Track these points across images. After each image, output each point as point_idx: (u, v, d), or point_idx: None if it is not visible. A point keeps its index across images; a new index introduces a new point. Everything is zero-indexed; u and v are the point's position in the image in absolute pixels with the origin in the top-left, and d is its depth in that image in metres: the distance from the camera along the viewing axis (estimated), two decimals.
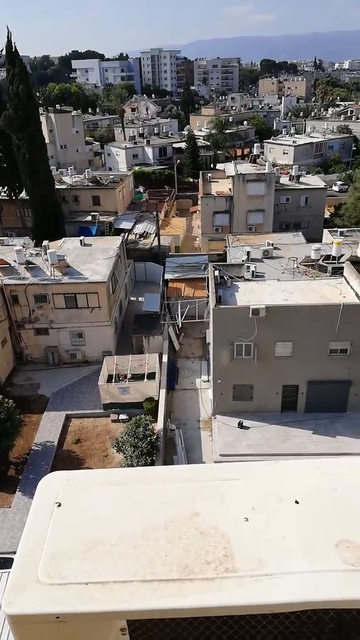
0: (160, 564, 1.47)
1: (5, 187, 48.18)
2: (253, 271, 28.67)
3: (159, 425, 25.97)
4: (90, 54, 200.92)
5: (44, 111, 75.29)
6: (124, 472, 1.76)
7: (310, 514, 1.61)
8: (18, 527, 22.13)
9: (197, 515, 1.54)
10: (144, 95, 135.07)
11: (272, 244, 32.90)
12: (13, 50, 42.25)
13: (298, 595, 1.47)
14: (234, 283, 27.84)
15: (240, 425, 26.38)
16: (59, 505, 1.58)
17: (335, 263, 29.15)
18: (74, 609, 1.47)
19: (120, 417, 28.16)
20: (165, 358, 31.03)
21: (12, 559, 19.19)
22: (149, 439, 23.55)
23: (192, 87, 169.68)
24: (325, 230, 40.96)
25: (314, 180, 52.69)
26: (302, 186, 50.19)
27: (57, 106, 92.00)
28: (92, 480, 1.71)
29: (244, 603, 1.44)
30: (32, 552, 1.51)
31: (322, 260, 29.74)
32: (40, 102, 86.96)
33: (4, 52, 43.80)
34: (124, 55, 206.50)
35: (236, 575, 1.48)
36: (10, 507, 23.38)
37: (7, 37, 42.01)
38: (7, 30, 42.17)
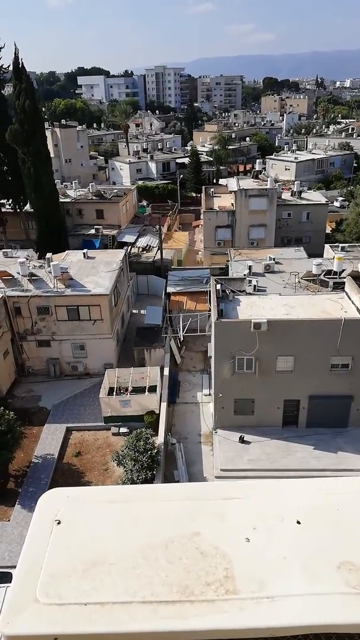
0: (160, 584, 1.45)
1: (10, 200, 48.62)
2: (255, 285, 28.74)
3: (159, 439, 25.80)
4: (95, 71, 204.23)
5: (49, 126, 76.26)
6: (124, 489, 1.74)
7: (312, 535, 1.59)
8: (17, 541, 21.89)
9: (197, 534, 1.52)
10: (148, 111, 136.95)
11: (274, 259, 33.03)
12: (20, 66, 42.95)
13: (300, 618, 1.44)
14: (235, 297, 27.89)
15: (241, 440, 26.20)
16: (58, 523, 1.56)
17: (336, 278, 29.21)
18: (72, 630, 1.44)
19: (120, 431, 28.01)
20: (166, 371, 30.96)
21: (10, 574, 18.97)
22: (149, 452, 23.38)
23: (195, 104, 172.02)
24: (327, 246, 41.13)
25: (316, 196, 53.07)
26: (304, 202, 50.54)
27: (63, 121, 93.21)
28: (92, 498, 1.69)
29: (245, 626, 1.42)
30: (31, 570, 1.49)
31: (324, 275, 29.81)
32: (45, 117, 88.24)
33: (11, 68, 44.52)
34: (129, 72, 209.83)
35: (237, 597, 1.45)
36: (9, 520, 23.16)
37: (14, 53, 42.73)
38: (14, 47, 42.93)
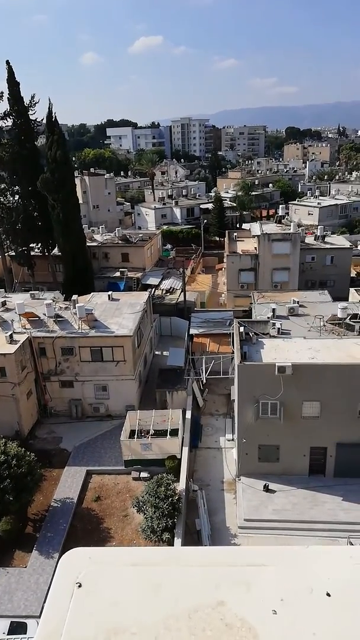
0: None
1: (39, 244, 50.39)
2: (279, 328, 28.55)
3: (181, 485, 25.16)
4: (124, 123, 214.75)
5: (79, 174, 79.59)
6: (147, 552, 1.70)
7: (343, 608, 1.50)
8: (33, 589, 21.26)
9: (222, 604, 1.45)
10: (174, 159, 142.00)
11: (298, 302, 32.91)
12: (53, 119, 45.58)
13: None
14: (259, 340, 27.71)
15: (266, 489, 25.33)
16: (79, 586, 1.52)
17: None
18: None
19: (141, 475, 27.47)
20: (188, 414, 30.55)
21: (25, 624, 18.31)
22: (170, 499, 22.77)
23: (219, 153, 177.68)
24: (352, 289, 40.88)
25: (339, 240, 53.29)
26: (328, 246, 50.76)
27: (92, 169, 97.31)
28: (114, 560, 1.65)
29: None
30: (51, 636, 1.44)
31: (349, 318, 29.45)
32: (75, 166, 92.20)
33: (44, 121, 47.24)
34: (156, 123, 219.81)
35: None
36: (26, 566, 22.62)
37: (48, 107, 45.51)
38: (49, 102, 45.80)
